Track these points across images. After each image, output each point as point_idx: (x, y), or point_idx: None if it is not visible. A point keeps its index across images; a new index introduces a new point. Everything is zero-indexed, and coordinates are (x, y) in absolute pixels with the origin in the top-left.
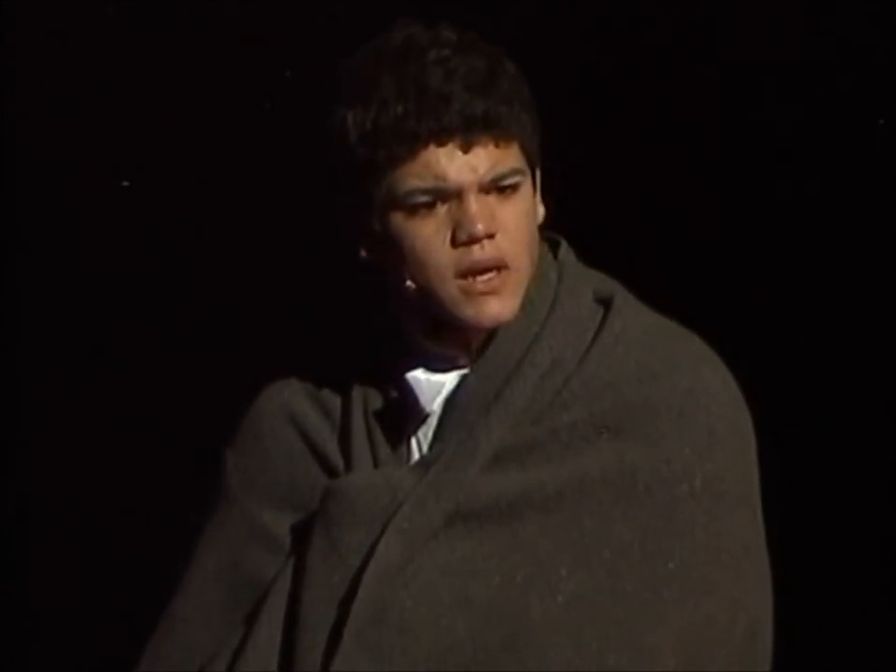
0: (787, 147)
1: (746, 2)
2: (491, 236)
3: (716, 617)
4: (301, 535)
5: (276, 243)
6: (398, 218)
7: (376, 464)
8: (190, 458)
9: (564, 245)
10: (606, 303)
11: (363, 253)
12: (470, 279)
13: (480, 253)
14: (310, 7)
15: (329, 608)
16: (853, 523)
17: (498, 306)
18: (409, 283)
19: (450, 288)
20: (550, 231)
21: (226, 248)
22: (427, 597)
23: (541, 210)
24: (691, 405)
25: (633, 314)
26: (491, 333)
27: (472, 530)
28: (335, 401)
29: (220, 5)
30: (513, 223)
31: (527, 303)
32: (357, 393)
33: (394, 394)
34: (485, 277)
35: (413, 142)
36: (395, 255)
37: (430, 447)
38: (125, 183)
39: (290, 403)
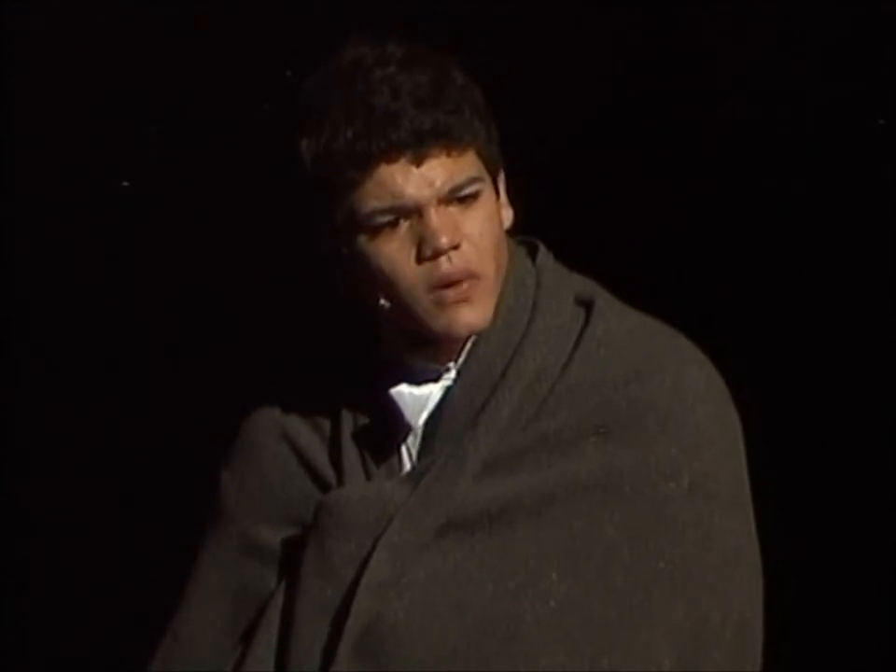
0: (787, 148)
1: (745, 2)
2: (456, 247)
3: (708, 616)
4: (297, 549)
5: (283, 243)
6: (362, 240)
7: (368, 477)
8: (187, 462)
9: (542, 250)
10: (587, 306)
11: (337, 277)
12: (441, 291)
13: (448, 265)
14: (310, 7)
15: (322, 621)
16: (845, 518)
17: (471, 314)
18: (382, 302)
19: (422, 303)
20: (526, 236)
21: (231, 249)
22: (420, 607)
23: (509, 214)
24: (677, 404)
25: (615, 315)
26: (473, 344)
27: (463, 539)
28: (325, 417)
29: (220, 5)
30: (478, 231)
31: (506, 311)
32: (345, 408)
33: (380, 409)
34: (456, 289)
35: (366, 163)
36: (365, 276)
37: (419, 459)
38: (125, 183)
39: (282, 420)
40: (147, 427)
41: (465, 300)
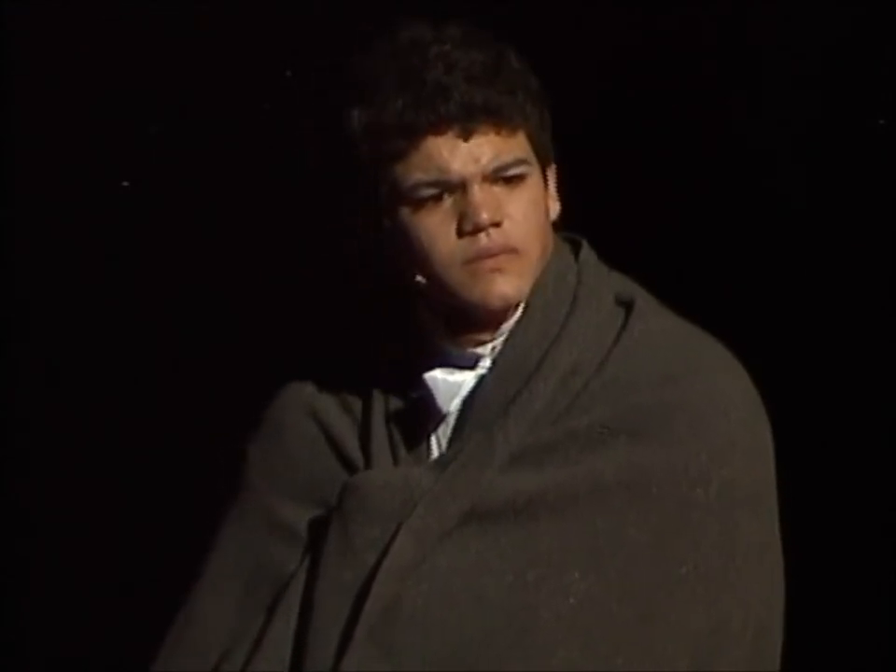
0: (787, 148)
1: (745, 2)
2: (497, 224)
3: (727, 622)
4: (320, 530)
5: (284, 242)
6: (405, 213)
7: (396, 462)
8: (188, 462)
9: (585, 247)
10: (627, 306)
11: (372, 258)
12: (477, 262)
13: (486, 241)
14: (310, 7)
15: (341, 604)
16: (845, 518)
17: (506, 285)
18: (419, 277)
19: (458, 275)
20: (571, 233)
21: (231, 248)
22: (439, 595)
23: (556, 206)
24: (708, 409)
25: (654, 317)
26: (510, 334)
27: (486, 529)
28: (356, 399)
29: (220, 5)
30: (521, 213)
31: (545, 305)
32: (377, 391)
33: (413, 393)
34: (493, 259)
35: (414, 134)
36: (404, 249)
37: (449, 446)
38: (125, 183)
39: (312, 398)
40: (147, 427)
41: (499, 270)
